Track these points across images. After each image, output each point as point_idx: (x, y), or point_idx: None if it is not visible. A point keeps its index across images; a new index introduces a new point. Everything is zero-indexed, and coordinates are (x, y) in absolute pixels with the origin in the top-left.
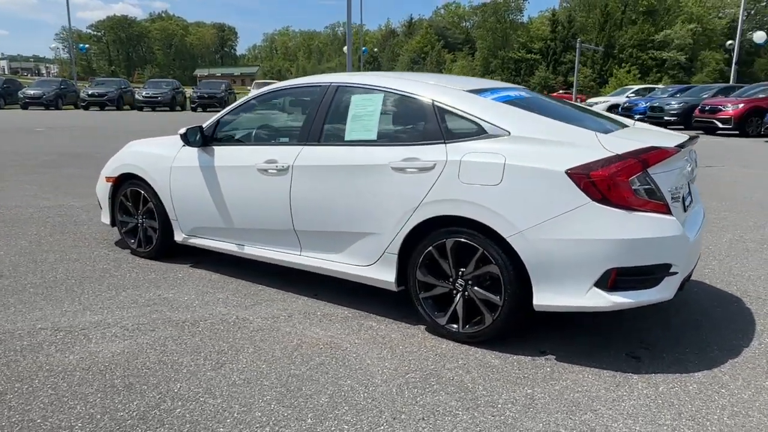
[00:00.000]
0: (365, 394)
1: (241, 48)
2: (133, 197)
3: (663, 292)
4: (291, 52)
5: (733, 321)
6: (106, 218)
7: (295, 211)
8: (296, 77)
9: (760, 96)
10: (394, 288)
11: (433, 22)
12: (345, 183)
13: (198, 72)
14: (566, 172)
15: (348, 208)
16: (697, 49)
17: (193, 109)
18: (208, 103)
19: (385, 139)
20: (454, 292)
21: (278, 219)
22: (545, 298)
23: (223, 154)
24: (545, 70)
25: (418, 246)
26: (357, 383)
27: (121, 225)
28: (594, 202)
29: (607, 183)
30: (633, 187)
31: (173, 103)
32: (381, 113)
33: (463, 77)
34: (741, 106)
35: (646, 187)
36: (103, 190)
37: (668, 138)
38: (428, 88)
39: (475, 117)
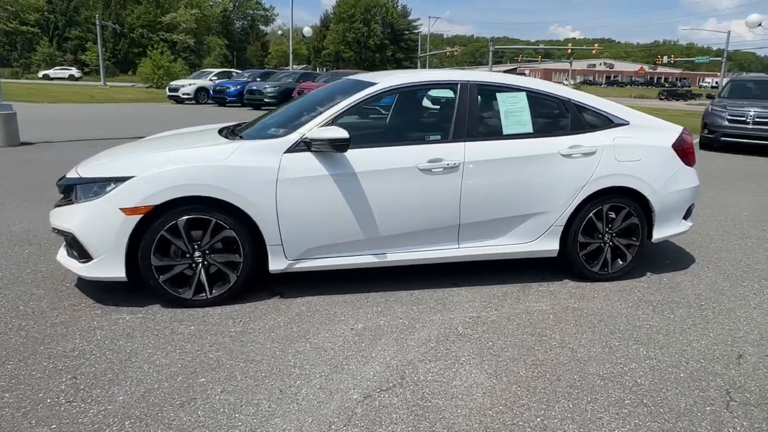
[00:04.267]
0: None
1: None
2: (189, 229)
3: (692, 219)
4: None
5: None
6: (113, 269)
7: (464, 206)
8: None
9: None
10: (555, 254)
11: None
12: (518, 172)
13: None
14: (671, 147)
15: (520, 194)
16: (200, 34)
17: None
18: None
19: (539, 131)
20: (603, 245)
21: (443, 216)
22: (659, 233)
23: (362, 157)
24: (48, 45)
25: (579, 215)
26: (673, 327)
27: (159, 272)
28: (684, 165)
29: (690, 151)
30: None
31: None
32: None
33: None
34: None
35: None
36: (107, 228)
37: None
38: (557, 88)
39: (603, 111)
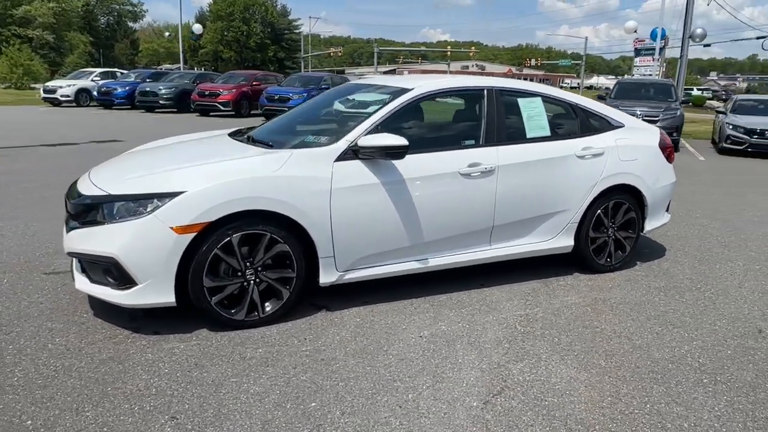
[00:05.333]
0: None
1: None
2: (242, 245)
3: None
4: None
5: None
6: (161, 295)
7: (498, 207)
8: None
9: (242, 82)
10: (570, 250)
11: None
12: (543, 174)
13: None
14: (658, 146)
15: (544, 194)
16: (60, 29)
17: None
18: None
19: (555, 134)
20: (607, 238)
21: (480, 219)
22: (650, 225)
23: (408, 163)
24: None
25: (590, 212)
26: (692, 310)
27: (211, 293)
28: (666, 162)
29: (671, 150)
30: None
31: None
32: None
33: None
34: (234, 91)
35: None
36: (156, 250)
37: None
38: (564, 93)
39: (604, 114)
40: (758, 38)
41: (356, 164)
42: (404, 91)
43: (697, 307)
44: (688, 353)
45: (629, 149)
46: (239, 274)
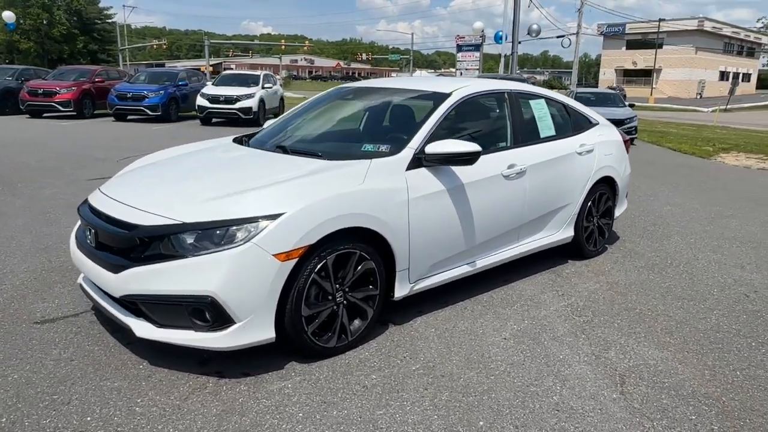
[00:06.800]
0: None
1: None
2: (336, 266)
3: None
4: None
5: None
6: (261, 331)
7: (527, 206)
8: None
9: (82, 79)
10: (571, 240)
11: None
12: (556, 171)
13: None
14: (622, 141)
15: (557, 190)
16: None
17: None
18: None
19: (557, 133)
20: (593, 226)
21: (515, 218)
22: (618, 211)
23: (466, 168)
24: None
25: (584, 203)
26: (686, 284)
27: (308, 322)
28: (626, 153)
29: (628, 143)
30: None
31: None
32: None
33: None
34: (74, 89)
35: None
36: (260, 281)
37: None
38: (556, 94)
39: (586, 113)
40: (558, 37)
41: (423, 172)
42: (444, 95)
43: (686, 281)
44: (720, 321)
45: (608, 144)
46: (330, 297)
